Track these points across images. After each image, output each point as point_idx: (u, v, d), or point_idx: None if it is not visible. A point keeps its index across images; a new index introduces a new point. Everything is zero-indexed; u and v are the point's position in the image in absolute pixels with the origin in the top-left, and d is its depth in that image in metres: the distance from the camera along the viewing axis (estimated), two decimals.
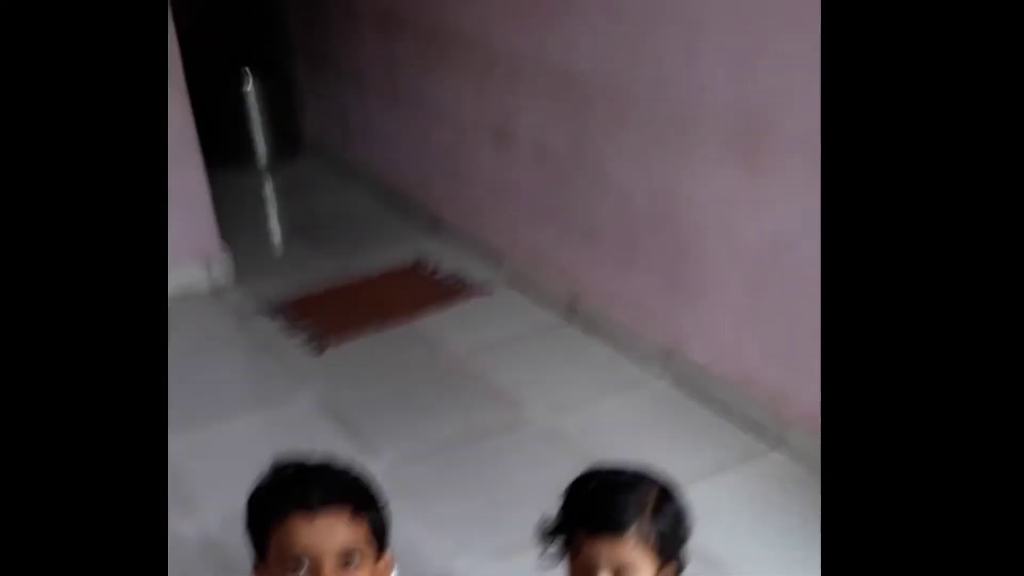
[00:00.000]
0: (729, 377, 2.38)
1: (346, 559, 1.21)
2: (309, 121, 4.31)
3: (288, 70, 4.27)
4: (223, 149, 3.78)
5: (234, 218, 3.44)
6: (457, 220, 3.38)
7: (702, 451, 2.25)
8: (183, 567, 1.83)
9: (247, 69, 4.10)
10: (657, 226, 2.50)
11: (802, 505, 2.00)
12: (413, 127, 3.51)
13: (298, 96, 4.29)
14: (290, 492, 1.22)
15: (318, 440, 2.05)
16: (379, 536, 1.28)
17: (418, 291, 3.11)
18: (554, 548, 1.33)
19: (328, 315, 2.94)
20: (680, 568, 1.30)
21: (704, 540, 1.41)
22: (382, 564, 1.30)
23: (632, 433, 2.34)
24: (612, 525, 1.23)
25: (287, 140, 4.27)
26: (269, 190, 4.16)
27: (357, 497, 1.25)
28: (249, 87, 4.11)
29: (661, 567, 1.26)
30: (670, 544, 1.26)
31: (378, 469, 1.70)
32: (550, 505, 1.32)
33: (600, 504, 1.25)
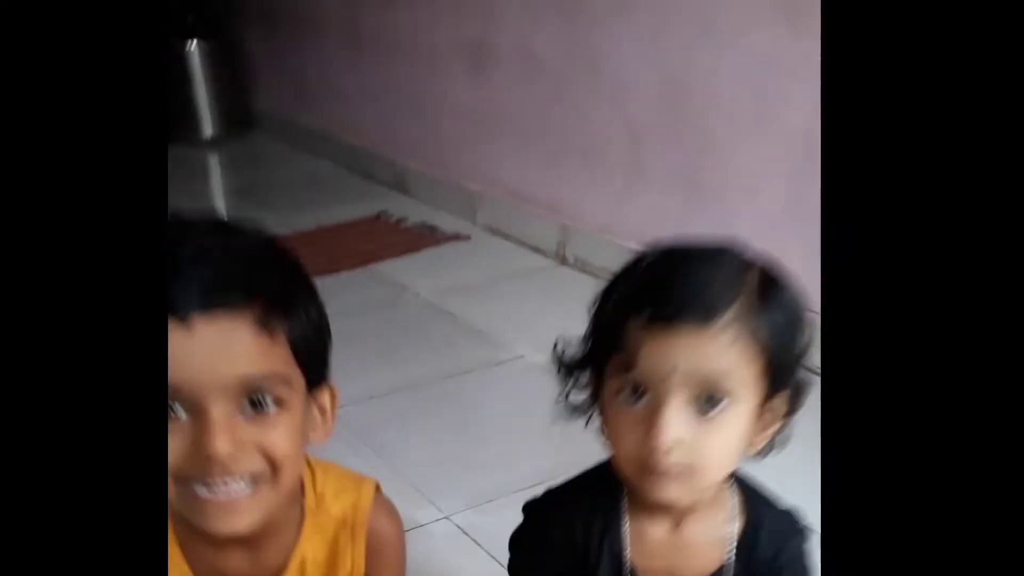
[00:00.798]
0: None
1: (251, 396, 0.68)
2: (260, 87, 3.77)
3: (234, 29, 3.73)
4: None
5: (178, 195, 2.90)
6: (427, 169, 2.90)
7: None
8: None
9: (187, 29, 3.56)
10: (670, 124, 2.02)
11: None
12: (377, 74, 3.05)
13: (246, 59, 3.76)
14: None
15: None
16: (311, 356, 0.74)
17: (381, 239, 2.59)
18: (582, 383, 0.80)
19: None
20: (797, 403, 0.77)
21: None
22: (322, 400, 0.77)
23: None
24: (694, 306, 0.70)
25: (235, 109, 3.71)
26: (215, 164, 3.60)
27: (269, 290, 0.70)
28: (190, 50, 3.58)
29: (769, 395, 0.74)
30: (785, 352, 0.73)
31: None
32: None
33: (673, 273, 0.73)
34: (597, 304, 0.78)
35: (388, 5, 2.90)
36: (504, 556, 0.91)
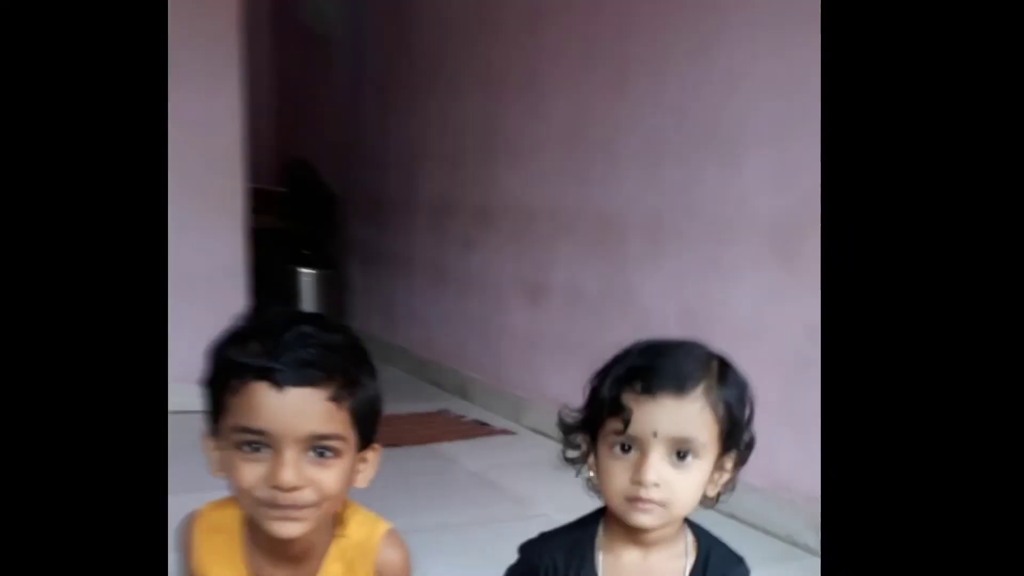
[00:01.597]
0: (761, 487, 2.10)
1: (318, 448, 0.87)
2: (358, 310, 4.24)
3: (342, 263, 4.31)
4: None
5: None
6: (486, 379, 3.24)
7: None
8: None
9: (304, 260, 4.18)
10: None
11: None
12: (454, 302, 3.47)
13: (349, 287, 4.28)
14: (259, 354, 0.86)
15: None
16: (364, 424, 0.92)
17: (440, 427, 2.87)
18: (580, 442, 1.01)
19: None
20: (741, 460, 0.98)
21: None
22: (367, 457, 0.95)
23: None
24: (675, 380, 0.91)
25: None
26: None
27: (344, 374, 0.88)
28: (304, 278, 4.15)
29: (722, 453, 0.95)
30: (736, 422, 0.95)
31: None
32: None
33: (657, 359, 0.94)
34: (595, 383, 0.98)
35: (467, 251, 3.34)
36: None
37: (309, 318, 0.93)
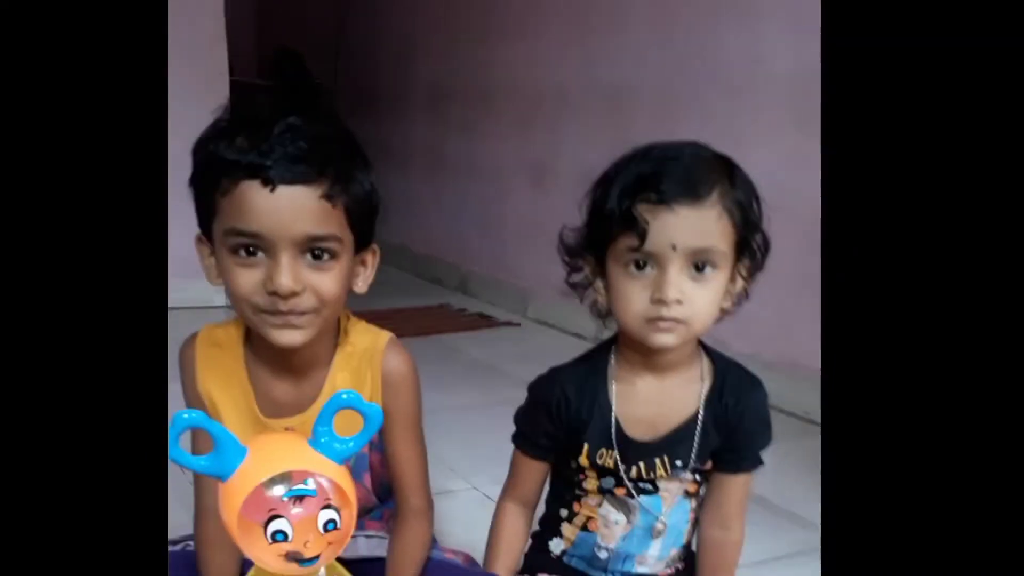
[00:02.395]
0: (777, 363, 2.04)
1: (313, 251, 0.82)
2: None
3: None
4: None
5: None
6: (487, 272, 3.17)
7: None
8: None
9: None
10: None
11: None
12: (453, 193, 3.39)
13: None
14: (247, 151, 0.80)
15: None
16: (360, 222, 0.86)
17: (442, 321, 2.83)
18: (582, 264, 0.94)
19: None
20: (757, 266, 0.92)
21: None
22: (366, 259, 0.90)
23: None
24: (690, 186, 0.84)
25: None
26: None
27: (337, 168, 0.82)
28: None
29: (737, 260, 0.89)
30: (751, 225, 0.88)
31: None
32: None
33: (666, 163, 0.86)
34: (597, 195, 0.90)
35: (468, 136, 3.25)
36: None
37: (297, 106, 0.85)
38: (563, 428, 0.96)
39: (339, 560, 0.78)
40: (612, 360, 0.96)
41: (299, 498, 0.70)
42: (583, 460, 0.96)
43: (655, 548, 0.99)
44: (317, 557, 0.72)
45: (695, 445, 0.94)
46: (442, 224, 3.48)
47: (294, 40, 4.46)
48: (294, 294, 0.81)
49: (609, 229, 0.88)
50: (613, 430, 0.94)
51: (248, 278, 0.81)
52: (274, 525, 0.70)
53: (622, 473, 0.95)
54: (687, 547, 1.03)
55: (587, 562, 1.01)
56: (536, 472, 1.01)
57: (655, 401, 0.95)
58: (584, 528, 1.00)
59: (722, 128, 2.20)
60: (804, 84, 1.99)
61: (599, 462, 0.95)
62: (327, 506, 0.71)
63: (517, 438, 1.02)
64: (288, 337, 0.83)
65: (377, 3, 3.86)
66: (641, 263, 0.86)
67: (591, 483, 0.98)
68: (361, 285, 0.91)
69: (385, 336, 0.95)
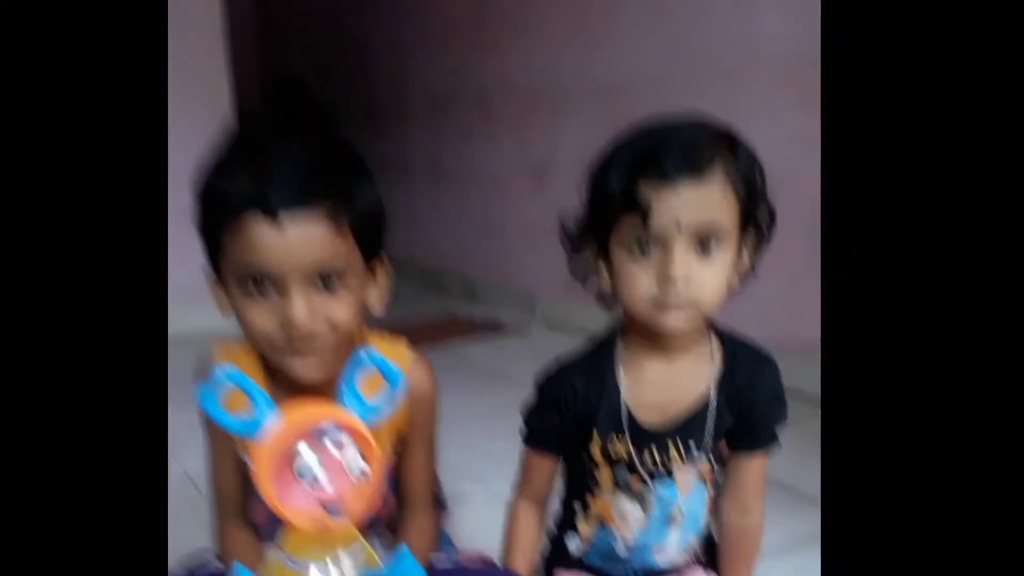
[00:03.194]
0: (787, 348, 2.01)
1: (323, 280, 0.80)
2: None
3: None
4: None
5: None
6: (492, 276, 3.16)
7: None
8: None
9: None
10: None
11: None
12: (455, 201, 3.38)
13: None
14: (248, 184, 0.78)
15: None
16: (368, 237, 0.84)
17: (450, 329, 2.82)
18: (589, 244, 0.91)
19: None
20: (764, 240, 0.89)
21: None
22: (377, 275, 0.88)
23: None
24: (692, 161, 0.81)
25: None
26: None
27: (342, 194, 0.80)
28: None
29: (742, 236, 0.86)
30: (755, 198, 0.86)
31: None
32: None
33: (665, 140, 0.84)
34: (596, 177, 0.88)
35: (467, 142, 3.24)
36: None
37: (293, 125, 0.85)
38: (572, 419, 0.94)
39: None
40: (619, 346, 0.94)
41: (330, 442, 0.73)
42: (595, 451, 0.94)
43: (674, 537, 0.97)
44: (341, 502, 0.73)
45: (709, 427, 0.92)
46: (445, 233, 3.47)
47: (297, 63, 4.48)
48: (308, 325, 0.80)
49: (611, 211, 0.85)
50: (624, 417, 0.92)
51: (261, 314, 0.81)
52: (300, 460, 0.72)
53: (635, 460, 0.93)
54: (707, 535, 1.00)
55: (605, 558, 0.99)
56: (547, 468, 0.99)
57: (665, 385, 0.92)
58: (600, 524, 0.98)
59: (722, 114, 2.16)
60: (803, 65, 1.96)
61: (611, 451, 0.93)
62: (357, 453, 0.73)
63: (526, 435, 1.00)
64: (308, 371, 0.83)
65: (371, 10, 3.87)
66: (646, 245, 0.84)
67: (605, 476, 0.96)
68: (376, 302, 0.89)
69: (405, 347, 0.94)
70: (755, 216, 0.87)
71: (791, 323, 2.05)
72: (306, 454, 0.73)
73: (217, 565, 0.95)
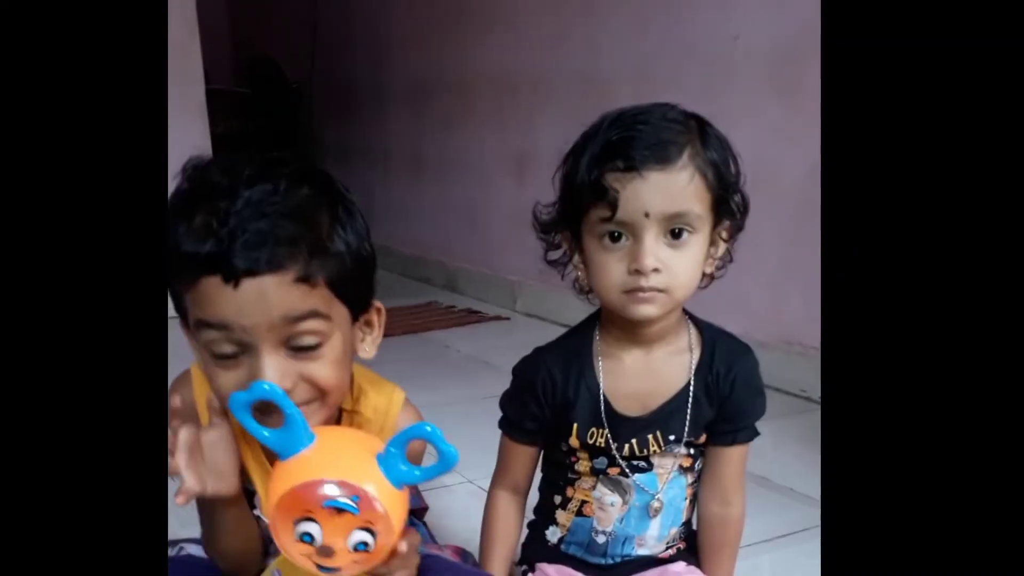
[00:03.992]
0: (769, 341, 2.03)
1: (299, 340, 0.73)
2: None
3: (317, 159, 4.20)
4: None
5: None
6: (475, 267, 3.16)
7: None
8: None
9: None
10: None
11: None
12: (436, 191, 3.37)
13: None
14: (206, 244, 0.70)
15: None
16: (352, 288, 0.76)
17: (430, 317, 2.81)
18: (560, 241, 0.92)
19: None
20: (738, 227, 0.90)
21: None
22: (371, 320, 0.81)
23: None
24: (659, 149, 0.82)
25: None
26: None
27: (314, 248, 0.72)
28: None
29: (716, 222, 0.87)
30: (727, 184, 0.86)
31: None
32: None
33: (633, 128, 0.83)
34: (567, 169, 0.88)
35: (447, 132, 3.23)
36: None
37: (259, 167, 0.74)
38: (550, 409, 0.94)
39: None
40: (596, 336, 0.95)
41: (339, 511, 0.69)
42: (574, 441, 0.94)
43: (654, 528, 0.97)
44: (339, 569, 0.71)
45: (688, 418, 0.92)
46: (425, 221, 3.46)
47: (269, 45, 4.44)
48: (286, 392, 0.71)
49: (581, 201, 0.86)
50: (603, 408, 0.93)
51: (231, 380, 0.73)
52: (304, 526, 0.69)
53: (614, 452, 0.93)
54: (687, 525, 1.01)
55: (585, 548, 1.00)
56: (525, 458, 0.99)
57: (644, 375, 0.93)
58: (579, 513, 0.98)
59: (702, 107, 2.14)
60: (784, 58, 1.98)
61: (590, 442, 0.94)
62: (364, 528, 0.69)
63: (504, 424, 1.00)
64: None
65: (350, 2, 3.84)
66: (616, 234, 0.84)
67: (583, 465, 0.96)
68: (368, 350, 0.82)
69: (399, 398, 0.88)
70: (728, 203, 0.87)
71: (772, 318, 2.06)
72: (311, 511, 0.69)
73: (191, 552, 0.95)
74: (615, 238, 0.85)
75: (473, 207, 3.15)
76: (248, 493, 0.85)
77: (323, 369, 0.74)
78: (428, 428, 0.70)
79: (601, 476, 0.96)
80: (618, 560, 0.99)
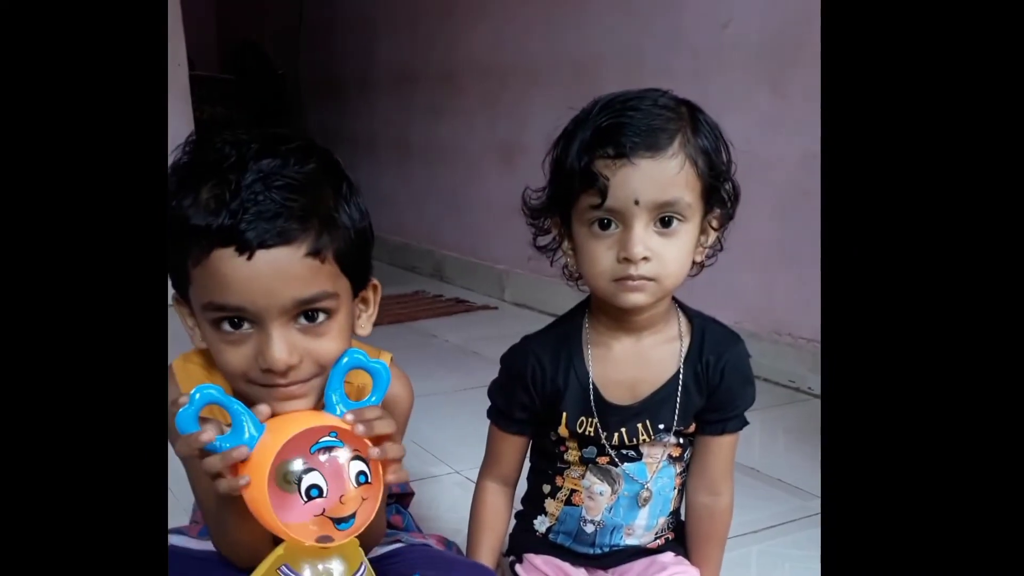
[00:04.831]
0: (759, 331, 2.03)
1: (307, 316, 0.73)
2: None
3: None
4: None
5: None
6: (461, 255, 3.15)
7: None
8: None
9: None
10: None
11: None
12: (423, 178, 3.36)
13: None
14: (217, 216, 0.69)
15: None
16: (356, 264, 0.77)
17: (417, 307, 2.80)
18: (549, 226, 0.91)
19: None
20: (728, 216, 0.89)
21: None
22: (368, 297, 0.82)
23: None
24: (649, 136, 0.81)
25: None
26: None
27: (324, 221, 0.73)
28: None
29: (706, 211, 0.86)
30: (718, 173, 0.85)
31: None
32: None
33: (623, 114, 0.82)
34: (557, 154, 0.87)
35: (435, 121, 3.21)
36: None
37: (266, 140, 0.74)
38: (539, 398, 0.94)
39: None
40: (586, 324, 0.94)
41: (327, 449, 0.70)
42: (563, 430, 0.94)
43: (643, 517, 0.97)
44: (353, 517, 0.71)
45: (677, 406, 0.92)
46: (413, 210, 3.45)
47: (255, 31, 4.40)
48: (291, 368, 0.73)
49: (571, 187, 0.85)
50: (592, 396, 0.92)
51: (237, 354, 0.74)
52: (307, 480, 0.69)
53: (603, 440, 0.93)
54: (676, 515, 1.01)
55: (573, 537, 0.99)
56: (514, 448, 0.99)
57: (633, 363, 0.92)
58: (568, 502, 0.98)
59: (692, 95, 2.16)
60: (774, 46, 1.97)
61: (579, 431, 0.93)
62: (356, 457, 0.71)
63: (492, 413, 0.99)
64: (291, 407, 0.76)
65: None
66: (606, 221, 0.84)
67: (572, 454, 0.96)
68: (364, 327, 0.82)
69: (385, 360, 0.87)
70: (718, 191, 0.87)
71: (763, 309, 2.06)
72: (304, 467, 0.70)
73: (173, 543, 0.94)
74: (604, 225, 0.84)
75: (461, 195, 3.14)
76: None
77: (328, 344, 0.75)
78: (346, 359, 0.73)
79: (590, 465, 0.95)
80: (607, 550, 0.99)
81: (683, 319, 0.94)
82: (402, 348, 2.30)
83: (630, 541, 0.99)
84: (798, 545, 1.27)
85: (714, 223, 0.89)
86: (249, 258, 0.69)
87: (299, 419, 0.73)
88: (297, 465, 0.70)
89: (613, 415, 0.92)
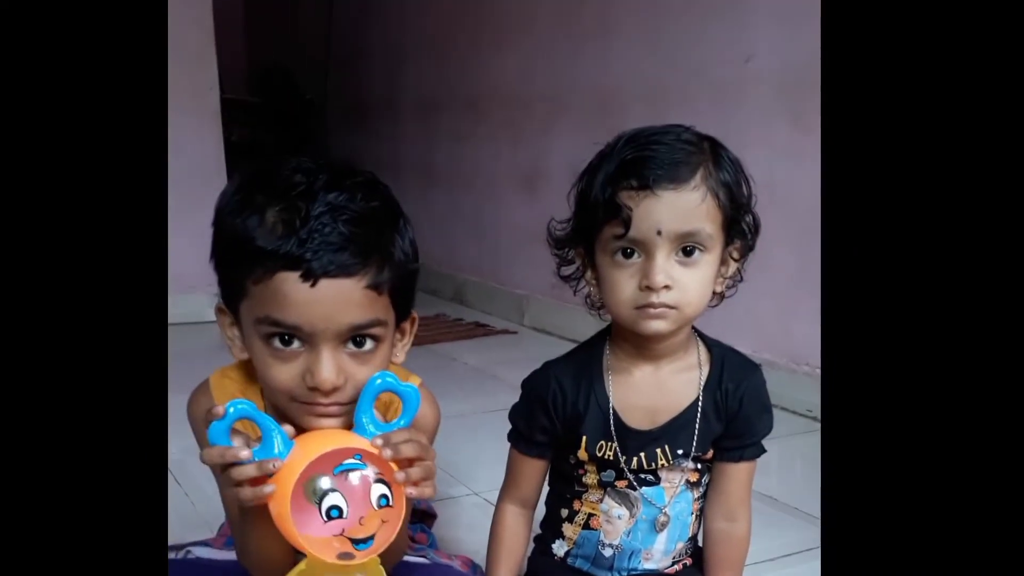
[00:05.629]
0: (778, 361, 2.04)
1: (355, 339, 0.77)
2: None
3: None
4: None
5: None
6: (482, 279, 3.17)
7: None
8: None
9: None
10: None
11: None
12: (445, 203, 3.39)
13: None
14: (285, 241, 0.73)
15: None
16: (404, 298, 0.81)
17: (438, 330, 2.82)
18: (574, 257, 0.93)
19: None
20: (749, 247, 0.91)
21: None
22: (405, 328, 0.86)
23: None
24: (672, 169, 0.84)
25: None
26: None
27: (383, 254, 0.77)
28: None
29: (727, 242, 0.89)
30: (738, 205, 0.88)
31: None
32: None
33: (647, 148, 0.85)
34: (581, 187, 0.90)
35: (459, 147, 3.25)
36: None
37: (334, 172, 0.77)
38: (560, 422, 0.96)
39: None
40: (607, 351, 0.96)
41: (350, 471, 0.73)
42: (582, 453, 0.95)
43: (660, 542, 0.98)
44: (372, 538, 0.73)
45: (696, 433, 0.93)
46: (435, 234, 3.48)
47: (284, 57, 4.48)
48: (336, 389, 0.76)
49: (595, 218, 0.88)
50: (612, 420, 0.94)
51: (284, 371, 0.77)
52: (329, 500, 0.72)
53: (623, 465, 0.94)
54: (694, 541, 1.02)
55: (591, 562, 1.01)
56: (534, 471, 1.00)
57: (653, 390, 0.94)
58: (586, 526, 0.99)
59: (714, 127, 2.14)
60: (795, 79, 1.99)
61: (599, 454, 0.95)
62: (379, 480, 0.73)
63: (513, 436, 1.01)
64: (325, 425, 0.79)
65: (365, 15, 3.88)
66: (628, 251, 0.86)
67: (591, 477, 0.97)
68: (399, 355, 0.87)
69: (414, 382, 0.89)
70: (739, 223, 0.89)
71: (781, 338, 2.07)
72: (327, 487, 0.72)
73: (199, 555, 0.96)
74: (627, 254, 0.87)
75: (483, 221, 3.17)
76: None
77: (370, 371, 0.78)
78: (378, 380, 0.75)
79: (609, 489, 0.97)
80: (624, 574, 1.00)
81: (702, 348, 0.96)
82: (422, 370, 2.29)
83: (648, 566, 1.00)
84: (815, 574, 1.27)
85: (735, 254, 0.91)
86: (313, 285, 0.73)
87: (328, 438, 0.75)
88: (321, 484, 0.73)
89: (632, 439, 0.94)
